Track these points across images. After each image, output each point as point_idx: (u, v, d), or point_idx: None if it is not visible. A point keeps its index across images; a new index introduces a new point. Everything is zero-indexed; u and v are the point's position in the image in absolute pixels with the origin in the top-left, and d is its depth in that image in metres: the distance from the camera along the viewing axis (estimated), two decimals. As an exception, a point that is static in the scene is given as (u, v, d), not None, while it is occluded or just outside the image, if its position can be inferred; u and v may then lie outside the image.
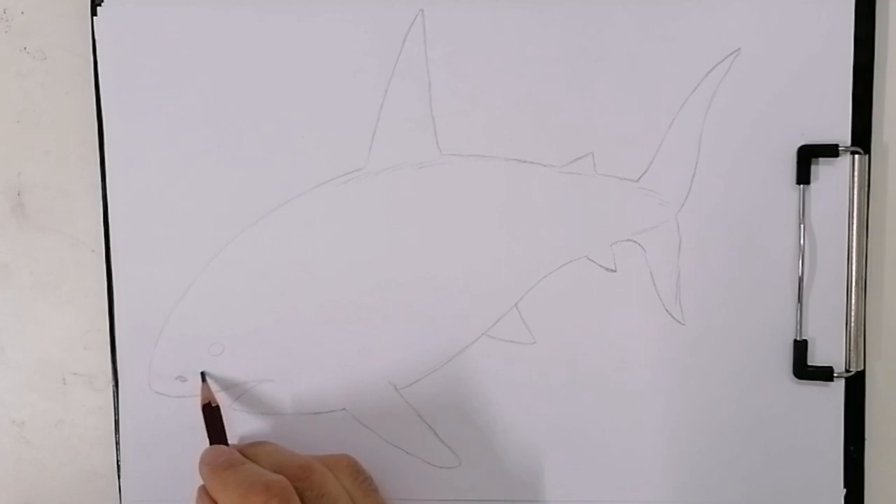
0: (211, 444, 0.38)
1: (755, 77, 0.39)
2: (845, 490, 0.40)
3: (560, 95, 0.40)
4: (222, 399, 0.41)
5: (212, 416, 0.39)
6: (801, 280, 0.39)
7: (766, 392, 0.40)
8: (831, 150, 0.39)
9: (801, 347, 0.40)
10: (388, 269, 0.40)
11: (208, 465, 0.36)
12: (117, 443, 0.42)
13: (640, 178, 0.40)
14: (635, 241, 0.40)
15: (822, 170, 0.39)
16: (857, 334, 0.40)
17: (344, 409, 0.41)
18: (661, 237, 0.40)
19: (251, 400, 0.41)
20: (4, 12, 0.41)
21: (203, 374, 0.40)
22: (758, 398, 0.40)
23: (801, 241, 0.39)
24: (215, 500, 0.34)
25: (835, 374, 0.40)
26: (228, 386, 0.41)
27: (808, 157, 0.39)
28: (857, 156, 0.39)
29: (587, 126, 0.40)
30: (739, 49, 0.39)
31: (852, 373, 0.40)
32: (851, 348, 0.40)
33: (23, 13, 0.41)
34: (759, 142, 0.39)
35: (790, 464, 0.40)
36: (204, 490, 0.35)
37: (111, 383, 0.41)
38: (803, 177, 0.39)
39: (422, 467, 0.41)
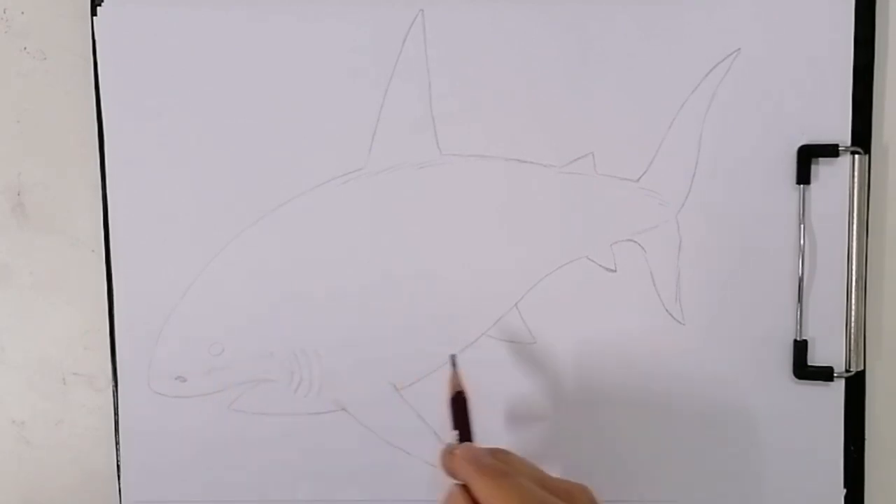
0: (461, 439, 0.34)
1: (755, 77, 0.39)
2: (845, 490, 0.40)
3: (560, 95, 0.40)
4: (221, 399, 0.41)
5: (460, 407, 0.35)
6: (801, 280, 0.39)
7: (766, 392, 0.40)
8: (831, 150, 0.39)
9: (801, 347, 0.40)
10: (388, 269, 0.40)
11: (474, 465, 0.32)
12: (117, 443, 0.42)
13: (640, 178, 0.40)
14: (635, 241, 0.40)
15: (822, 170, 0.39)
16: (857, 334, 0.40)
17: (344, 409, 0.41)
18: (661, 237, 0.40)
19: (251, 400, 0.41)
20: (4, 12, 0.41)
21: (453, 358, 0.37)
22: (758, 398, 0.40)
23: (801, 241, 0.39)
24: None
25: (835, 374, 0.40)
26: (228, 386, 0.41)
27: (808, 157, 0.39)
28: (857, 156, 0.39)
29: (587, 126, 0.40)
30: (739, 49, 0.39)
31: (852, 373, 0.40)
32: (851, 348, 0.40)
33: (23, 13, 0.41)
34: (759, 142, 0.39)
35: (790, 464, 0.40)
36: (465, 491, 0.32)
37: (111, 383, 0.41)
38: (803, 177, 0.39)
39: (422, 467, 0.41)
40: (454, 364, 0.37)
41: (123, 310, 0.41)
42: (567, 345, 0.40)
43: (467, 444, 0.34)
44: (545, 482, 0.32)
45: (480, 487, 0.31)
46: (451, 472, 0.33)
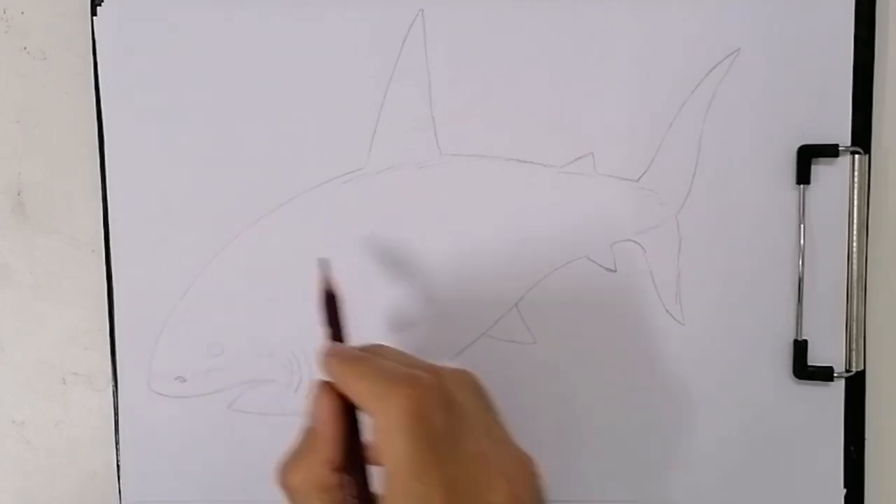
0: (333, 338, 0.33)
1: (755, 77, 0.39)
2: (845, 490, 0.40)
3: (560, 95, 0.40)
4: (221, 399, 0.41)
5: (332, 307, 0.34)
6: (801, 280, 0.39)
7: (766, 392, 0.40)
8: (831, 150, 0.39)
9: (801, 347, 0.40)
10: (387, 269, 0.40)
11: (335, 357, 0.31)
12: (117, 443, 0.42)
13: (640, 178, 0.40)
14: (635, 241, 0.40)
15: (822, 170, 0.39)
16: (857, 334, 0.40)
17: (344, 409, 0.41)
18: (661, 237, 0.40)
19: (251, 400, 0.41)
20: (4, 12, 0.41)
21: (324, 262, 0.35)
22: (758, 398, 0.40)
23: (801, 241, 0.39)
24: (346, 390, 0.31)
25: (835, 374, 0.40)
26: (228, 386, 0.41)
27: (808, 157, 0.39)
28: (857, 156, 0.39)
29: (587, 126, 0.40)
30: (739, 49, 0.39)
31: (852, 373, 0.40)
32: (851, 348, 0.40)
33: (23, 13, 0.41)
34: (759, 142, 0.39)
35: (790, 464, 0.40)
36: (326, 385, 0.31)
37: (111, 383, 0.41)
38: (803, 177, 0.39)
39: (422, 467, 0.41)
40: (325, 267, 0.35)
41: (123, 310, 0.41)
42: (567, 345, 0.40)
43: (334, 343, 0.33)
44: (413, 364, 0.32)
45: (339, 372, 0.31)
46: (325, 372, 0.32)
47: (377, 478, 0.30)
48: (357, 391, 0.31)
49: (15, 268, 0.42)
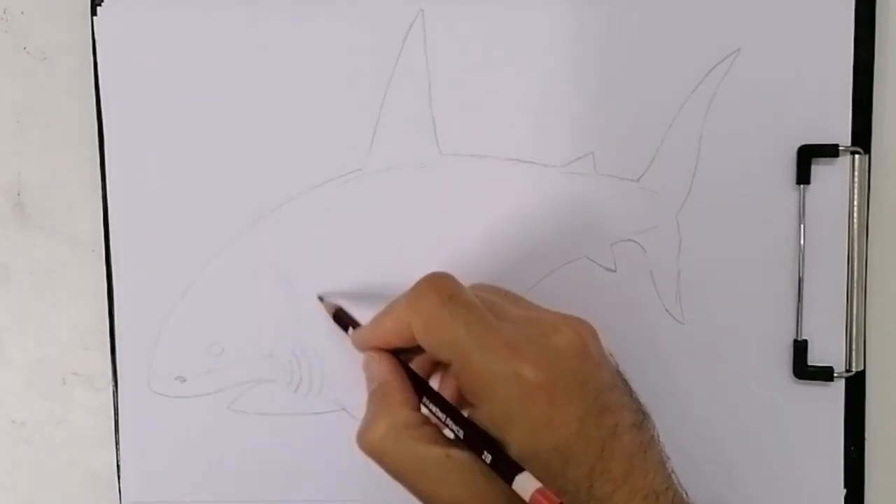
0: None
1: (755, 77, 0.39)
2: (845, 490, 0.40)
3: (560, 95, 0.40)
4: (221, 399, 0.41)
5: (344, 316, 0.38)
6: (801, 280, 0.39)
7: (766, 392, 0.40)
8: (831, 150, 0.39)
9: (801, 347, 0.40)
10: (387, 269, 0.40)
11: (359, 330, 0.35)
12: (117, 443, 0.42)
13: (640, 178, 0.40)
14: (635, 241, 0.40)
15: (822, 170, 0.39)
16: (857, 334, 0.40)
17: (344, 409, 0.41)
18: (661, 237, 0.40)
19: (251, 400, 0.41)
20: (4, 12, 0.41)
21: (320, 297, 0.40)
22: (758, 398, 0.40)
23: (801, 241, 0.39)
24: (386, 331, 0.33)
25: (835, 374, 0.40)
26: (228, 386, 0.41)
27: (808, 157, 0.39)
28: (857, 156, 0.39)
29: (587, 126, 0.40)
30: (739, 49, 0.39)
31: (852, 373, 0.40)
32: (851, 348, 0.40)
33: (23, 13, 0.41)
34: (759, 142, 0.39)
35: (790, 464, 0.40)
36: (372, 352, 0.34)
37: (111, 383, 0.41)
38: (803, 177, 0.39)
39: (422, 467, 0.41)
40: (321, 299, 0.40)
41: (123, 310, 0.41)
42: (567, 345, 0.40)
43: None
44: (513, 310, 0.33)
45: (369, 332, 0.34)
46: (374, 343, 0.34)
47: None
48: (393, 319, 0.32)
49: (15, 268, 0.42)
